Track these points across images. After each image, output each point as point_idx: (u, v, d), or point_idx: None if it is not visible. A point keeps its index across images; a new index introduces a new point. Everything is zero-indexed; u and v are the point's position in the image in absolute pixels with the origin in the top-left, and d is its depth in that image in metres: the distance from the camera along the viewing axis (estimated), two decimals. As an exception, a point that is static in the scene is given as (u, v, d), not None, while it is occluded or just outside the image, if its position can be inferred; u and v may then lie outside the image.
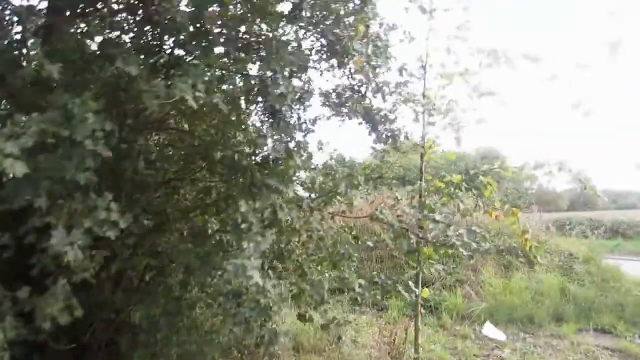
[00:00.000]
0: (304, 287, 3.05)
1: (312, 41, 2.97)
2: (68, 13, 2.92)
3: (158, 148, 3.55)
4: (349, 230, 3.96)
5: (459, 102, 3.85)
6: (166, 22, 2.37)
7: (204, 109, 3.38)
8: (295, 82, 3.77)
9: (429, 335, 6.57)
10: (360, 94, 3.21)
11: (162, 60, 3.04)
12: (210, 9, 2.40)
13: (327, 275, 3.10)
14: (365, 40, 2.79)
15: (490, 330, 6.42)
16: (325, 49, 2.88)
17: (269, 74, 2.48)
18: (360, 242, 3.85)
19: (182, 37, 2.39)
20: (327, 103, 3.45)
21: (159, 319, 3.09)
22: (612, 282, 7.85)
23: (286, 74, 2.45)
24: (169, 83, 1.99)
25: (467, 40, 3.78)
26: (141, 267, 3.28)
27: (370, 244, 3.89)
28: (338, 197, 3.17)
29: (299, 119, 4.26)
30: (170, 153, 3.39)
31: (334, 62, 2.99)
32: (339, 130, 3.91)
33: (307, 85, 4.03)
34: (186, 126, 3.68)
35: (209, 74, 2.18)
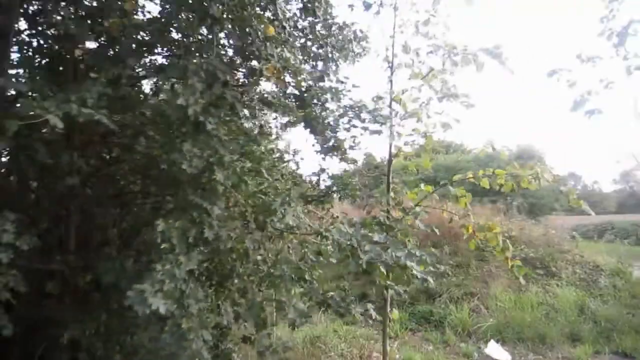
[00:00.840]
0: (240, 309, 2.86)
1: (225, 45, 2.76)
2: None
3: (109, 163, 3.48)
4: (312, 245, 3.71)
5: (427, 105, 3.55)
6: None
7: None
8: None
9: (428, 352, 6.17)
10: (293, 100, 2.97)
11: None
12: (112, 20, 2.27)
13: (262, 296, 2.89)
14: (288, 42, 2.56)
15: (494, 349, 5.92)
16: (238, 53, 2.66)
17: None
18: (322, 258, 3.60)
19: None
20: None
21: (97, 338, 3.01)
22: (643, 298, 7.06)
23: (195, 82, 2.27)
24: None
25: (433, 38, 3.47)
26: (84, 284, 3.21)
27: (333, 260, 3.61)
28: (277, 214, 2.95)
29: (261, 126, 4.09)
30: (114, 168, 3.30)
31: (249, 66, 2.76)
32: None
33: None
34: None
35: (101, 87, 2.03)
